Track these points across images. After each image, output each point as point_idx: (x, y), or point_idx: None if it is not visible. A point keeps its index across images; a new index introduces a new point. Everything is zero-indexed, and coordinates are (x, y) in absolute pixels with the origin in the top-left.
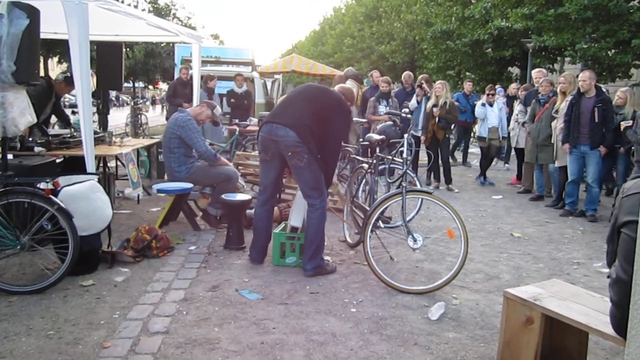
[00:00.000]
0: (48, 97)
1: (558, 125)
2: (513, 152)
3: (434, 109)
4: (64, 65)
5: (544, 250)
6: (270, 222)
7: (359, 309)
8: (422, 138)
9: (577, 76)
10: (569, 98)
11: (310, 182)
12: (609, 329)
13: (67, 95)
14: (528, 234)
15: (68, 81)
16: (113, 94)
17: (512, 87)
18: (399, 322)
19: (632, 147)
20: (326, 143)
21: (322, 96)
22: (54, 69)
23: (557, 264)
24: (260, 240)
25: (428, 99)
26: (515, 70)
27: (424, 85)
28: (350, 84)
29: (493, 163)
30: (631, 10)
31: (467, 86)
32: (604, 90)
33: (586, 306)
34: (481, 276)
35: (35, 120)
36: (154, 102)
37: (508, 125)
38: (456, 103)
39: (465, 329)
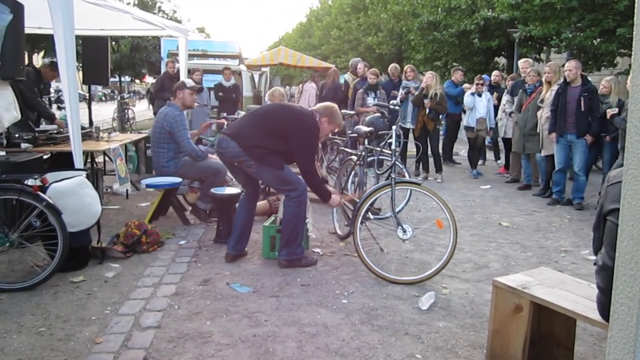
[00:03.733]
0: (38, 85)
1: (544, 114)
2: (501, 144)
3: (425, 101)
4: (48, 60)
5: (532, 239)
6: (250, 210)
7: (350, 300)
8: (412, 128)
9: (563, 65)
10: (554, 87)
11: (273, 181)
12: (596, 315)
13: (52, 91)
14: (516, 223)
15: (54, 66)
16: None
17: (495, 74)
18: (389, 313)
19: (618, 135)
20: (296, 158)
21: (279, 114)
22: (39, 63)
23: (545, 252)
24: (238, 227)
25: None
26: (502, 60)
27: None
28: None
29: (480, 162)
30: (616, 0)
31: (458, 75)
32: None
33: (574, 293)
34: (470, 265)
35: (20, 116)
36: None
37: (495, 115)
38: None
39: (456, 317)
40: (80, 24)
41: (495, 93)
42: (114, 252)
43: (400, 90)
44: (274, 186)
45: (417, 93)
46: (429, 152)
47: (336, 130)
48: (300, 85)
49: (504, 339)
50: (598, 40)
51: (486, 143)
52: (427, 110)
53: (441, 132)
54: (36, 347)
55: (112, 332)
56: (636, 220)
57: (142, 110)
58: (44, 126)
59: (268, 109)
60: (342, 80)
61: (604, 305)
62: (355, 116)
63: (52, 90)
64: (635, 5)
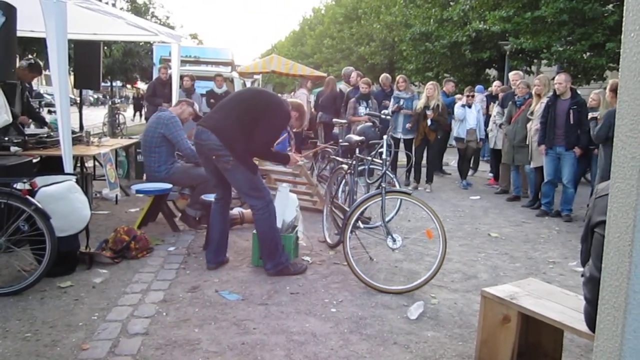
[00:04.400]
0: (14, 86)
1: (533, 126)
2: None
3: (427, 112)
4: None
5: (521, 250)
6: (225, 219)
7: (339, 309)
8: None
9: (553, 78)
10: (544, 100)
11: (244, 184)
12: (584, 327)
13: (45, 95)
14: (505, 234)
15: (32, 68)
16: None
17: (496, 85)
18: (378, 322)
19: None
20: (258, 135)
21: (250, 98)
22: None
23: (534, 263)
24: (215, 238)
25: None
26: (492, 72)
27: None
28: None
29: (470, 173)
30: (606, 14)
31: (450, 86)
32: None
33: (561, 304)
34: (459, 276)
35: (11, 120)
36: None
37: (486, 127)
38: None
39: (444, 327)
40: (73, 28)
41: (492, 103)
42: (102, 257)
43: (392, 100)
44: (243, 190)
45: (417, 106)
46: (424, 162)
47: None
48: (292, 93)
49: (492, 350)
50: (588, 54)
51: (484, 158)
52: (429, 122)
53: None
54: (22, 352)
55: (99, 338)
56: (622, 232)
57: (132, 115)
58: (33, 130)
59: (243, 97)
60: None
61: (592, 317)
62: (346, 125)
63: (43, 92)
64: (623, 22)
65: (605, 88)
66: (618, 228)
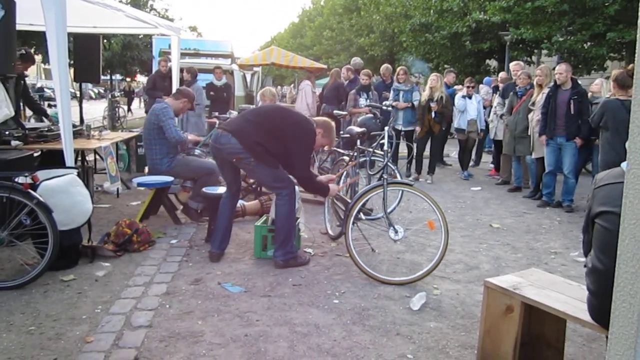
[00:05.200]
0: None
1: (534, 117)
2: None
3: (432, 104)
4: (39, 57)
5: (523, 241)
6: (234, 208)
7: (342, 300)
8: (417, 129)
9: (554, 69)
10: (545, 90)
11: (268, 179)
12: (587, 316)
13: (46, 89)
14: (507, 224)
15: (24, 57)
16: (89, 86)
17: (502, 75)
18: (381, 313)
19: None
20: (290, 161)
21: (279, 117)
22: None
23: (536, 254)
24: (223, 225)
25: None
26: (493, 63)
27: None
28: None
29: (471, 163)
30: (606, 4)
31: (450, 77)
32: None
33: (564, 294)
34: (461, 266)
35: (13, 114)
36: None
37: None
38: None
39: (447, 318)
40: (73, 22)
41: (494, 95)
42: (104, 250)
43: (392, 92)
44: (268, 184)
45: (422, 98)
46: (426, 153)
47: (326, 149)
48: (292, 85)
49: (494, 340)
50: (588, 44)
51: (487, 148)
52: (433, 114)
53: None
54: (26, 346)
55: (103, 331)
56: (638, 218)
57: (133, 108)
58: (34, 123)
59: (268, 110)
60: None
61: (594, 307)
62: (347, 117)
63: (44, 87)
64: None
65: (607, 78)
66: (634, 214)
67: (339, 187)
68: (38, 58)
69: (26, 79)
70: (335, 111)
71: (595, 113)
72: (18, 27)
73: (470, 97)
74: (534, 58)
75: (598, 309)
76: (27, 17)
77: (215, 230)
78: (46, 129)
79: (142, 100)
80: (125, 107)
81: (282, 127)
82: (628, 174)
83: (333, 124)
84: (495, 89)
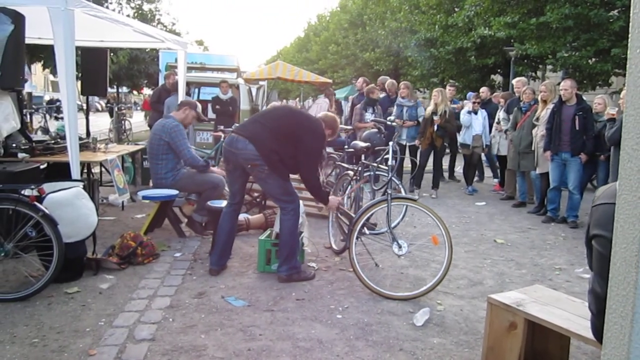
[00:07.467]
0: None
1: (539, 132)
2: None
3: (434, 117)
4: (47, 71)
5: (527, 256)
6: (234, 223)
7: (345, 315)
8: (417, 142)
9: (558, 84)
10: (550, 106)
11: (277, 190)
12: (590, 334)
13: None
14: (511, 240)
15: None
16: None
17: (482, 91)
18: (384, 328)
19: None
20: (300, 162)
21: (291, 119)
22: (36, 73)
23: (540, 270)
24: (222, 241)
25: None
26: (497, 78)
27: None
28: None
29: (476, 179)
30: (611, 20)
31: (450, 91)
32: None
33: (568, 311)
34: (465, 282)
35: (19, 126)
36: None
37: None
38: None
39: (450, 334)
40: (80, 35)
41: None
42: (109, 263)
43: (395, 108)
44: (276, 196)
45: (426, 112)
46: (432, 166)
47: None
48: (297, 98)
49: (498, 356)
50: (593, 59)
51: (485, 164)
52: (435, 127)
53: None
54: (29, 358)
55: (106, 344)
56: (629, 242)
57: (138, 121)
58: (40, 136)
59: (282, 114)
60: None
61: (595, 326)
62: (352, 131)
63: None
64: (629, 38)
65: (611, 94)
66: (625, 239)
67: (340, 199)
68: (46, 72)
69: (33, 91)
70: (340, 125)
71: (616, 129)
72: (26, 41)
73: (475, 113)
74: (538, 73)
75: (600, 328)
76: (35, 31)
77: (214, 245)
78: (53, 141)
79: (145, 114)
80: (131, 120)
81: (296, 130)
82: (619, 200)
83: (336, 116)
84: (485, 104)
